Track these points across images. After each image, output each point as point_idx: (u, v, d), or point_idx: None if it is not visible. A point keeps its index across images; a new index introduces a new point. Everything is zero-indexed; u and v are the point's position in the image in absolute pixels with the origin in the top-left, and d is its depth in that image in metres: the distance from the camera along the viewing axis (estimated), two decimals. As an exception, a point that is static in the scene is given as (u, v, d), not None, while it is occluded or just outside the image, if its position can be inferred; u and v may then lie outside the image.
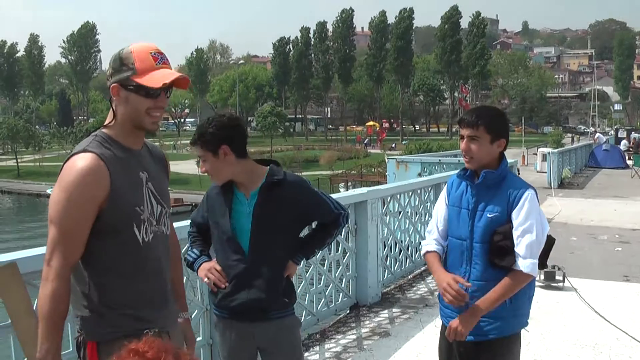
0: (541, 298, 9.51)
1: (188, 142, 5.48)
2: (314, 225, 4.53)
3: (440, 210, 4.19)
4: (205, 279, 4.03)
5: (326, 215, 4.15)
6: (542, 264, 4.01)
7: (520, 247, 3.83)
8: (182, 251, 4.15)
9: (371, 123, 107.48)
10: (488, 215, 3.89)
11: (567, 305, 9.34)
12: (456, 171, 4.25)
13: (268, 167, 4.02)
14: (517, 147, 50.69)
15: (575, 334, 8.08)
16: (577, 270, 11.24)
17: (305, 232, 4.62)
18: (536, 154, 36.32)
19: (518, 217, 3.86)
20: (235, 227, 3.95)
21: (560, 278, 10.19)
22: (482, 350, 4.03)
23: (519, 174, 27.34)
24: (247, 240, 3.94)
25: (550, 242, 4.08)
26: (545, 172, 28.33)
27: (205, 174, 3.97)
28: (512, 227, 3.86)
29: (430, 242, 4.19)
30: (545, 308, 9.09)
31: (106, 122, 3.27)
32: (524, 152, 44.05)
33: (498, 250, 3.86)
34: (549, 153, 29.10)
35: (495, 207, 3.90)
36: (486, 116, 3.98)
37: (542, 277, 10.17)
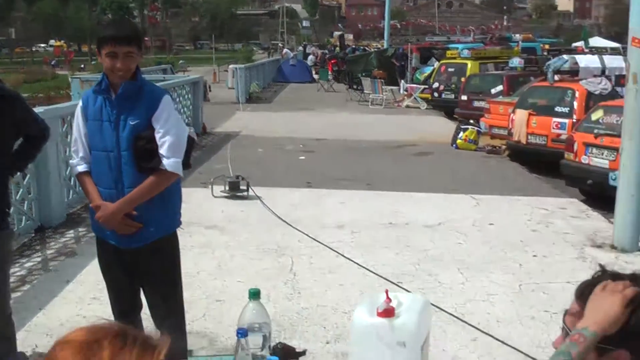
0: (226, 207, 9.79)
1: None
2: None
3: (80, 127, 4.11)
4: None
5: (37, 129, 4.46)
6: (186, 163, 4.13)
7: (163, 149, 3.93)
8: None
9: (58, 44, 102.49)
10: (131, 123, 3.95)
11: (252, 213, 9.67)
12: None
13: None
14: (208, 64, 51.02)
15: (260, 239, 8.39)
16: (263, 180, 11.64)
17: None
18: (227, 71, 36.71)
19: (159, 121, 3.97)
20: None
21: (245, 187, 10.48)
22: (143, 255, 4.07)
23: (210, 91, 27.68)
24: None
25: (191, 142, 4.21)
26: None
27: None
28: (155, 131, 3.92)
29: (80, 163, 4.14)
30: (230, 217, 9.35)
31: None
32: (215, 69, 44.33)
33: (143, 153, 3.94)
34: (236, 69, 29.56)
35: (137, 115, 3.97)
36: (136, 31, 4.09)
37: (227, 187, 10.41)
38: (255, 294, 2.67)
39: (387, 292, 2.49)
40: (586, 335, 1.81)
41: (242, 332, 2.43)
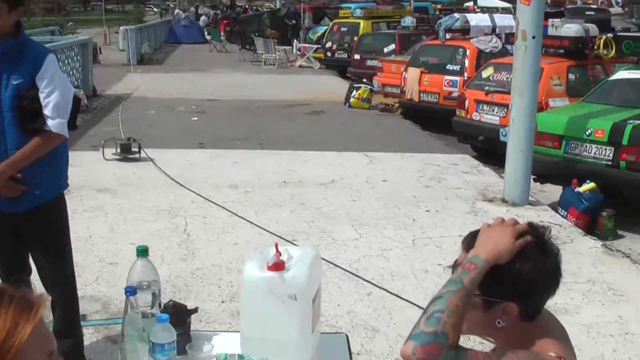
0: (118, 170, 9.59)
1: None
2: None
3: None
4: None
5: None
6: (71, 125, 4.00)
7: (48, 109, 3.80)
8: None
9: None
10: (13, 82, 3.78)
11: (144, 175, 9.49)
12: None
13: None
14: (99, 26, 49.57)
15: (152, 200, 8.26)
16: (155, 142, 11.45)
17: None
18: (117, 33, 35.75)
19: (43, 80, 3.82)
20: None
21: (137, 150, 10.28)
22: (29, 219, 3.93)
23: (100, 53, 26.92)
24: None
25: (76, 102, 4.07)
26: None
27: None
28: (39, 91, 3.78)
29: None
30: (123, 179, 9.17)
31: None
32: (105, 31, 43.12)
33: (27, 114, 3.80)
34: (126, 30, 28.86)
35: (20, 74, 3.80)
36: None
37: (119, 149, 10.19)
38: (143, 252, 2.61)
39: (276, 245, 2.47)
40: (477, 263, 1.80)
41: (130, 291, 2.36)
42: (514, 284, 1.82)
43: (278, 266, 2.42)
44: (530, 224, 1.93)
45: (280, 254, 2.45)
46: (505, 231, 1.85)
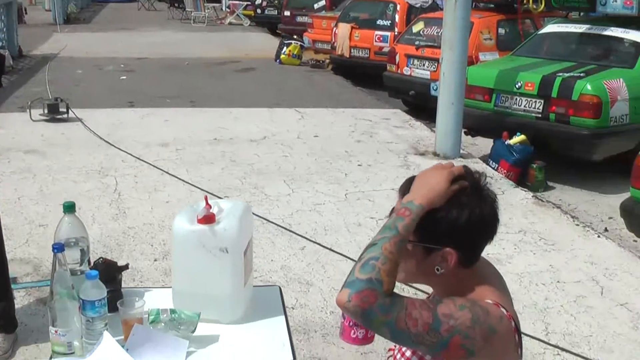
0: (45, 131, 9.39)
1: None
2: None
3: None
4: None
5: None
6: None
7: None
8: None
9: None
10: None
11: (73, 135, 9.29)
12: None
13: None
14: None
15: (82, 160, 8.11)
16: (84, 101, 11.23)
17: None
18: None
19: None
20: None
21: (65, 110, 10.06)
22: None
23: (26, 13, 26.14)
24: None
25: (1, 62, 3.97)
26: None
27: None
28: None
29: None
30: (51, 140, 8.98)
31: None
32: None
33: None
34: (52, -12, 28.10)
35: None
36: None
37: (46, 110, 9.96)
38: (69, 207, 2.55)
39: (206, 198, 2.45)
40: (412, 208, 1.77)
41: (57, 247, 2.32)
42: (452, 230, 1.81)
43: (208, 219, 2.40)
44: (466, 168, 1.90)
45: (210, 207, 2.44)
46: (440, 176, 1.83)
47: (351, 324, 1.99)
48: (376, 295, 1.68)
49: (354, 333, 2.01)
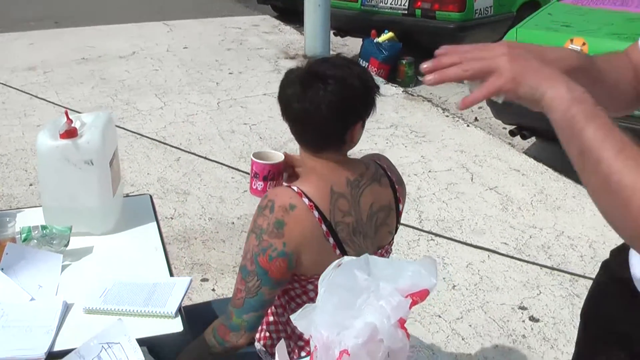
0: None
1: None
2: None
3: None
4: None
5: None
6: None
7: None
8: None
9: None
10: None
11: None
12: None
13: None
14: None
15: (-58, 91, 7.80)
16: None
17: None
18: None
19: None
20: None
21: None
22: None
23: None
24: None
25: None
26: None
27: None
28: None
29: None
30: None
31: None
32: None
33: None
34: None
35: None
36: None
37: None
38: None
39: (66, 113, 2.46)
40: None
41: None
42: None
43: (70, 133, 2.41)
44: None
45: (72, 122, 2.44)
46: None
47: (252, 176, 2.12)
48: None
49: (255, 184, 2.14)
